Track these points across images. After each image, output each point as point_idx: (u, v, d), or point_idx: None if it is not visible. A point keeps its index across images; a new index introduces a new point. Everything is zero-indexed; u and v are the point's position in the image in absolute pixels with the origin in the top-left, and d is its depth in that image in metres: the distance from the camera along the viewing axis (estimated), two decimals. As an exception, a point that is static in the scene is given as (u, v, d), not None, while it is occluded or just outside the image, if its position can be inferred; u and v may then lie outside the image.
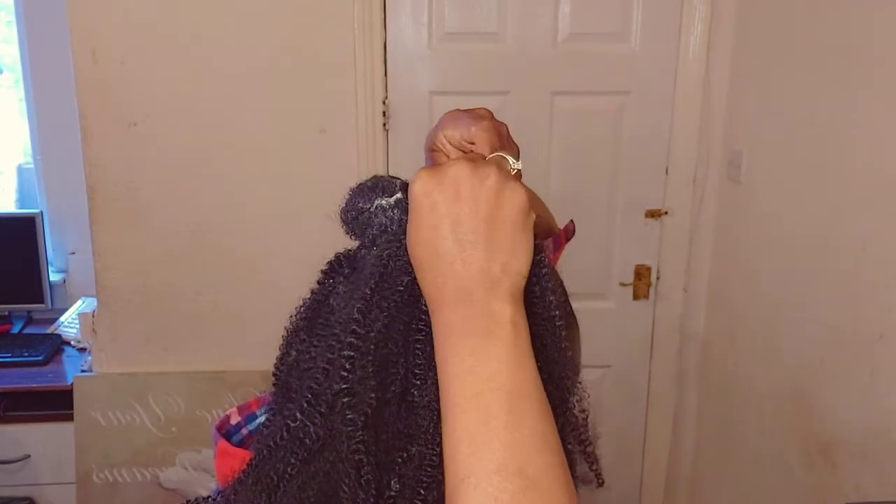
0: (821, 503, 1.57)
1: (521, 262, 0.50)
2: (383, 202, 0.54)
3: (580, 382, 0.58)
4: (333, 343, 0.51)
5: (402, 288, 0.52)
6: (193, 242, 2.01)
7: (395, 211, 0.54)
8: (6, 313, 2.40)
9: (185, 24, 1.91)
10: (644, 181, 2.12)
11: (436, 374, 0.50)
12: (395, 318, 0.51)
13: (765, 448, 1.82)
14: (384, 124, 2.01)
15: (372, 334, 0.50)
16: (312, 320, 0.55)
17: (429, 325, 0.51)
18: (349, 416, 0.50)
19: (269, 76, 1.95)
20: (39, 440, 2.13)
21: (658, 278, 2.20)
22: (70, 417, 2.06)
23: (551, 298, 0.54)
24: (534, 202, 0.81)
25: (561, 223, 0.89)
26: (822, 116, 1.58)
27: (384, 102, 2.00)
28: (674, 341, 2.24)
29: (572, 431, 0.56)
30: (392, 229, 0.54)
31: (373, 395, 0.50)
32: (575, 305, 0.80)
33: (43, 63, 2.33)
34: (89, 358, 2.11)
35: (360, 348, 0.50)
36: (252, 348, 2.01)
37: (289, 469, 0.51)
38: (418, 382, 0.52)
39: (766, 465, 1.81)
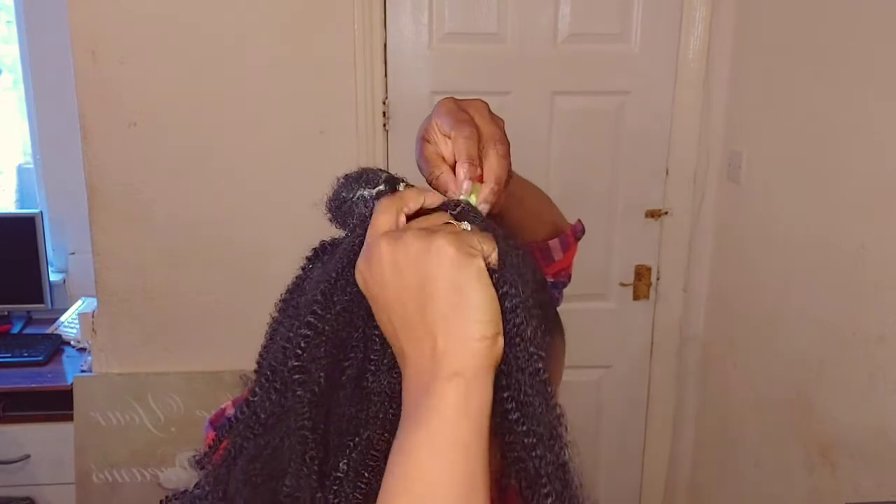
0: None
1: (464, 329, 0.45)
2: (365, 193, 0.54)
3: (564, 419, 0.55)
4: (295, 322, 0.52)
5: None
6: (193, 242, 2.01)
7: (375, 202, 0.54)
8: (6, 313, 2.40)
9: (184, 24, 1.91)
10: (644, 181, 2.12)
11: (391, 361, 0.50)
12: (358, 303, 0.51)
13: (764, 448, 1.82)
14: (384, 124, 2.01)
15: (330, 316, 0.51)
16: (287, 302, 0.56)
17: None
18: (298, 393, 0.50)
19: (269, 76, 1.95)
20: (39, 440, 2.13)
21: (658, 278, 2.20)
22: (70, 417, 2.06)
23: (532, 350, 0.50)
24: (537, 201, 0.80)
25: None
26: (822, 117, 1.58)
27: (384, 102, 2.00)
28: (674, 341, 2.23)
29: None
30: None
31: (322, 374, 0.50)
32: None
33: (43, 63, 2.33)
34: (89, 358, 2.11)
35: (317, 328, 0.51)
36: (252, 348, 1.98)
37: (243, 442, 0.52)
38: (373, 368, 0.52)
39: (765, 465, 1.81)
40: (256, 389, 0.53)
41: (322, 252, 0.58)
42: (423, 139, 0.58)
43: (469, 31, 2.01)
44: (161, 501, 0.57)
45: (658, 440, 2.32)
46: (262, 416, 0.52)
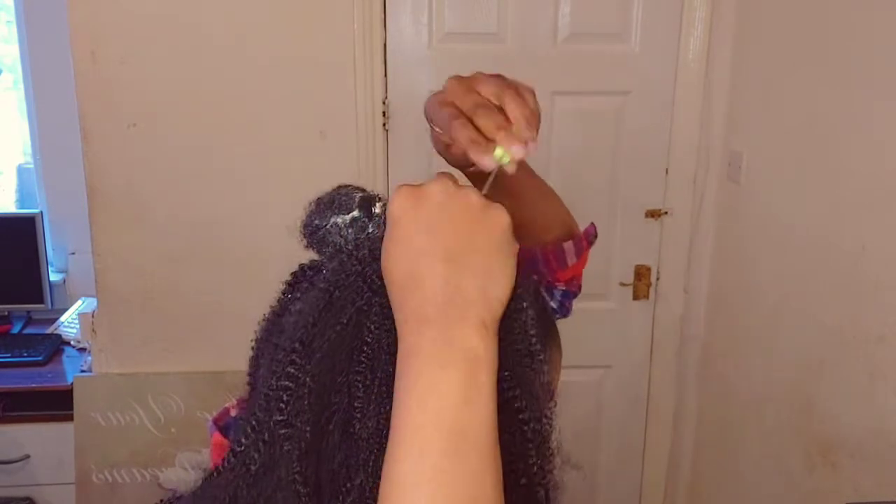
0: (821, 504, 1.57)
1: (500, 288, 0.47)
2: (339, 220, 0.52)
3: (553, 409, 0.56)
4: (276, 369, 0.50)
5: (344, 321, 0.50)
6: (193, 242, 2.01)
7: (350, 230, 0.52)
8: (6, 313, 2.40)
9: (184, 24, 1.91)
10: (644, 181, 2.12)
11: (378, 407, 0.48)
12: (337, 349, 0.50)
13: (764, 448, 1.82)
14: (384, 125, 2.01)
15: (310, 365, 0.49)
16: (270, 333, 0.54)
17: (371, 357, 0.49)
18: (286, 448, 0.49)
19: (269, 76, 1.95)
20: (39, 440, 2.13)
21: (658, 278, 2.20)
22: (70, 417, 2.06)
23: (532, 333, 0.51)
24: (550, 199, 0.78)
25: None
26: (822, 116, 1.58)
27: (384, 103, 2.00)
28: (674, 341, 2.23)
29: (540, 474, 0.54)
30: (347, 249, 0.52)
31: (308, 428, 0.49)
32: (575, 305, 0.79)
33: (43, 63, 2.33)
34: (89, 358, 2.11)
35: (298, 379, 0.49)
36: (252, 348, 2.00)
37: (236, 491, 0.50)
38: (359, 414, 0.50)
39: (765, 465, 1.81)
40: (242, 440, 0.50)
41: (302, 277, 0.55)
42: (440, 102, 0.55)
43: (469, 31, 2.01)
44: None
45: (658, 440, 2.32)
46: (252, 467, 0.50)
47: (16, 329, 2.37)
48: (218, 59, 1.93)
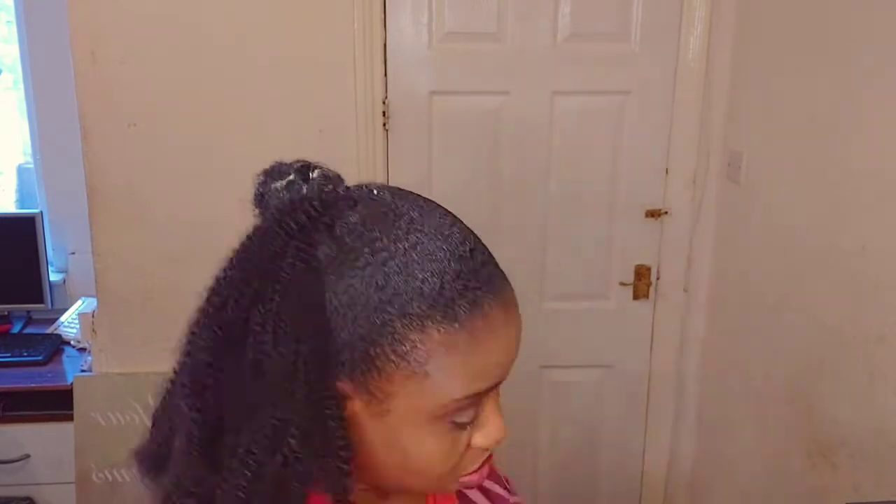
0: (820, 503, 1.57)
1: None
2: (277, 185, 0.55)
3: None
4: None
5: (258, 262, 0.53)
6: (193, 242, 2.01)
7: (286, 193, 0.55)
8: (6, 313, 2.40)
9: (184, 24, 1.91)
10: (644, 181, 2.12)
11: (286, 348, 0.50)
12: (249, 288, 0.52)
13: (764, 448, 1.82)
14: (384, 124, 2.01)
15: (223, 303, 0.52)
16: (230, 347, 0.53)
17: (282, 297, 0.51)
18: (186, 377, 0.53)
19: (269, 76, 1.95)
20: (39, 440, 2.13)
21: (658, 278, 2.20)
22: (70, 417, 2.06)
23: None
24: None
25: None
26: (822, 117, 1.58)
27: (384, 102, 2.00)
28: (674, 341, 2.23)
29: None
30: (282, 208, 0.54)
31: (209, 359, 0.52)
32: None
33: (43, 63, 2.33)
34: (89, 358, 2.11)
35: (208, 313, 0.53)
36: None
37: (161, 413, 0.59)
38: (268, 356, 0.51)
39: (765, 465, 1.81)
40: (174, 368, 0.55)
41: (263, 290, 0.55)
42: None
43: (469, 30, 2.01)
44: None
45: (658, 439, 2.32)
46: (165, 396, 0.57)
47: (16, 329, 2.37)
48: (218, 58, 1.93)
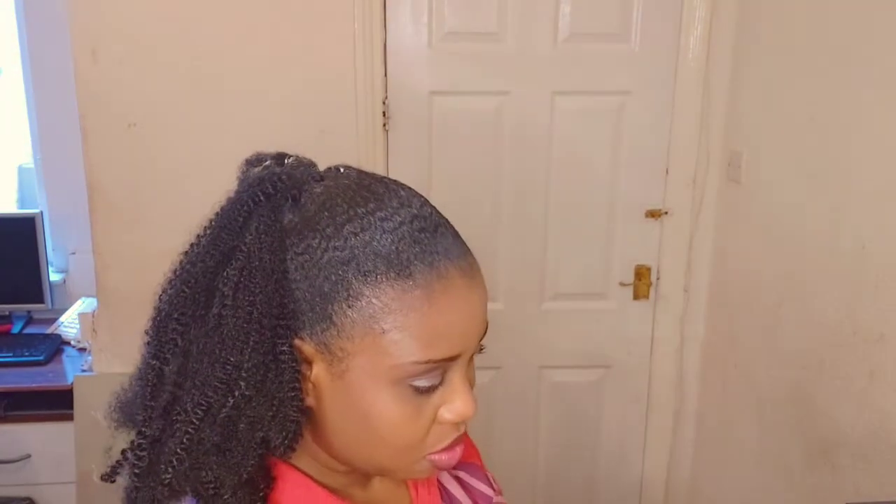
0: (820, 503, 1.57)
1: None
2: (256, 170, 0.59)
3: None
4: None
5: (226, 227, 0.55)
6: (193, 242, 2.01)
7: (261, 173, 0.58)
8: (6, 313, 2.40)
9: (184, 24, 1.91)
10: (644, 181, 2.12)
11: (245, 306, 0.53)
12: (216, 251, 0.55)
13: (765, 448, 1.82)
14: (384, 124, 2.01)
15: (191, 265, 0.56)
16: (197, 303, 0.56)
17: (246, 259, 0.53)
18: (156, 320, 0.57)
19: (269, 76, 1.95)
20: (39, 440, 2.13)
21: (658, 278, 2.20)
22: (70, 417, 2.06)
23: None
24: None
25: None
26: (822, 116, 1.58)
27: (384, 102, 2.00)
28: (674, 341, 2.23)
29: None
30: (253, 181, 0.58)
31: (174, 312, 0.55)
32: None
33: (43, 63, 2.33)
34: (89, 358, 2.11)
35: (177, 272, 0.57)
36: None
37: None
38: (229, 312, 0.54)
39: (765, 465, 1.81)
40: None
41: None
42: None
43: (469, 30, 2.01)
44: None
45: (658, 439, 2.32)
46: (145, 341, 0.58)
47: (16, 329, 2.37)
48: (218, 59, 1.93)
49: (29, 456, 2.13)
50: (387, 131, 2.02)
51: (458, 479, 0.72)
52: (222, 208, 0.57)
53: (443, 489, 0.70)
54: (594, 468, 2.34)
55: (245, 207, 0.55)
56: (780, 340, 1.74)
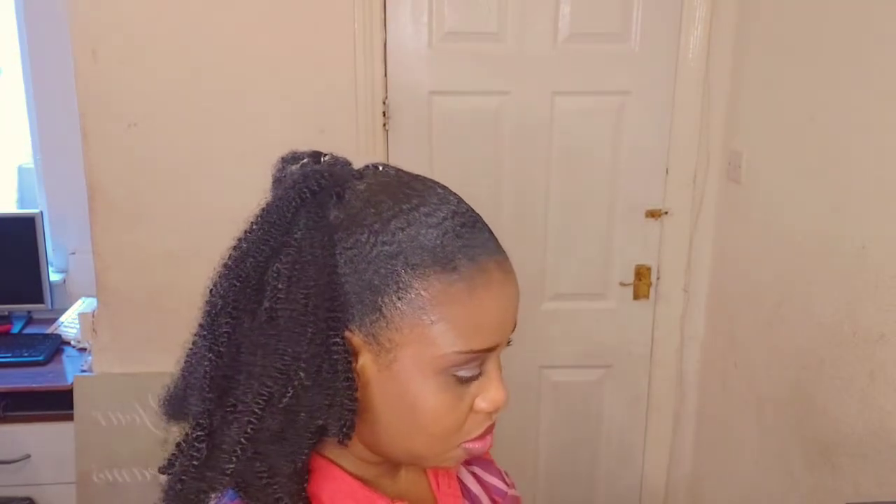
0: (820, 503, 1.57)
1: None
2: (293, 167, 0.61)
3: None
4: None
5: (275, 223, 0.56)
6: (194, 241, 2.01)
7: (300, 171, 0.60)
8: (6, 313, 2.40)
9: (184, 23, 1.91)
10: (644, 181, 2.12)
11: (297, 298, 0.54)
12: (265, 246, 0.56)
13: (765, 448, 1.82)
14: (384, 124, 2.01)
15: (241, 260, 0.57)
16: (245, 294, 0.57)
17: (297, 253, 0.55)
18: (208, 314, 0.59)
19: (269, 76, 1.95)
20: (39, 440, 2.13)
21: (658, 278, 2.20)
22: (70, 417, 2.06)
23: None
24: None
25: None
26: (822, 116, 1.58)
27: (384, 102, 2.00)
28: (674, 341, 2.24)
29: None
30: (297, 179, 0.59)
31: (228, 306, 0.57)
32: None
33: (43, 63, 2.33)
34: (89, 358, 2.11)
35: (229, 266, 0.58)
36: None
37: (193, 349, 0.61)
38: (281, 305, 0.55)
39: (766, 465, 1.81)
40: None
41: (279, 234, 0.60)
42: None
43: (469, 30, 2.01)
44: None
45: (658, 439, 2.32)
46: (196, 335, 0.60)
47: (16, 329, 2.37)
48: (218, 58, 1.93)
49: (29, 456, 2.13)
50: (387, 131, 2.02)
51: (473, 474, 0.74)
52: (268, 204, 0.58)
53: (461, 482, 0.72)
54: (594, 468, 2.34)
55: (293, 204, 0.56)
56: (779, 340, 1.74)
